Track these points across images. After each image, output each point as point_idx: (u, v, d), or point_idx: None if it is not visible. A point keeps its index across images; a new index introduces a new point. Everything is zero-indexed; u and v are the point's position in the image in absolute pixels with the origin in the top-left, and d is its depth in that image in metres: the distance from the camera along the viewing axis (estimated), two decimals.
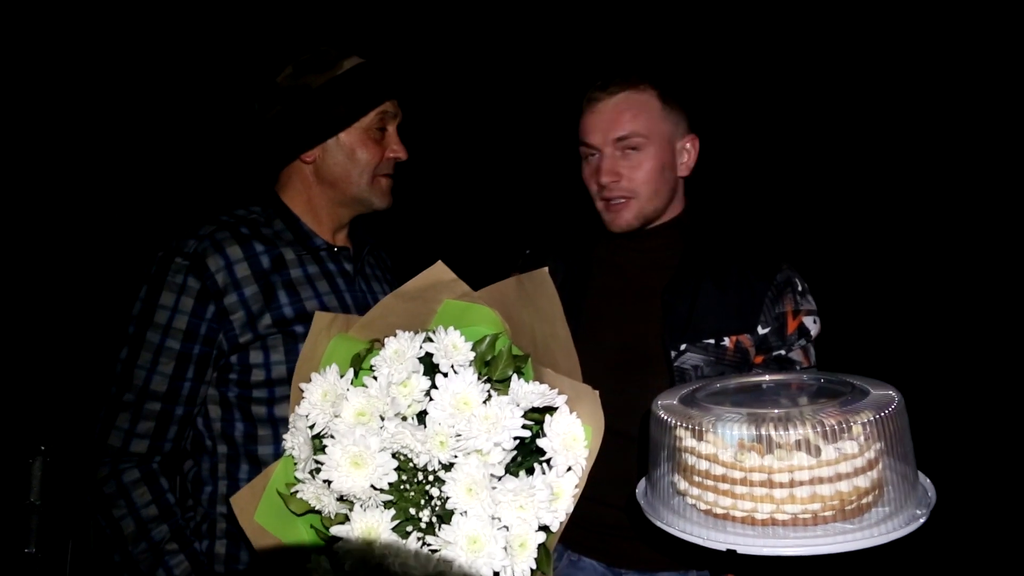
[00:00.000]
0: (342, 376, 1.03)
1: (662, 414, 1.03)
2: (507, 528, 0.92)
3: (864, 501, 0.93)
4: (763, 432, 0.92)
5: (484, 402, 0.97)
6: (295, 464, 1.03)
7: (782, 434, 0.91)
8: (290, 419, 1.05)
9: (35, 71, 3.59)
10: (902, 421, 0.96)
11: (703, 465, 0.97)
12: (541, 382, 1.01)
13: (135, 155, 3.87)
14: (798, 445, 0.91)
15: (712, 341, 1.44)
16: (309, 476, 0.99)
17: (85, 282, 3.43)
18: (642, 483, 1.12)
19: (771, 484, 0.92)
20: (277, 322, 1.34)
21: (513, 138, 4.83)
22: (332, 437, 0.98)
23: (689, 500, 1.00)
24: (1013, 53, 4.14)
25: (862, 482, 0.93)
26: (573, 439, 0.97)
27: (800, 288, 1.48)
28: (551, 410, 0.99)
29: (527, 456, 1.00)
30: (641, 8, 4.44)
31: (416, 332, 1.06)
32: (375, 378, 1.01)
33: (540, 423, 0.99)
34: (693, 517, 0.99)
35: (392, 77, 1.53)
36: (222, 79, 3.65)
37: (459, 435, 0.95)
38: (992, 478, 3.61)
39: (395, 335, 1.06)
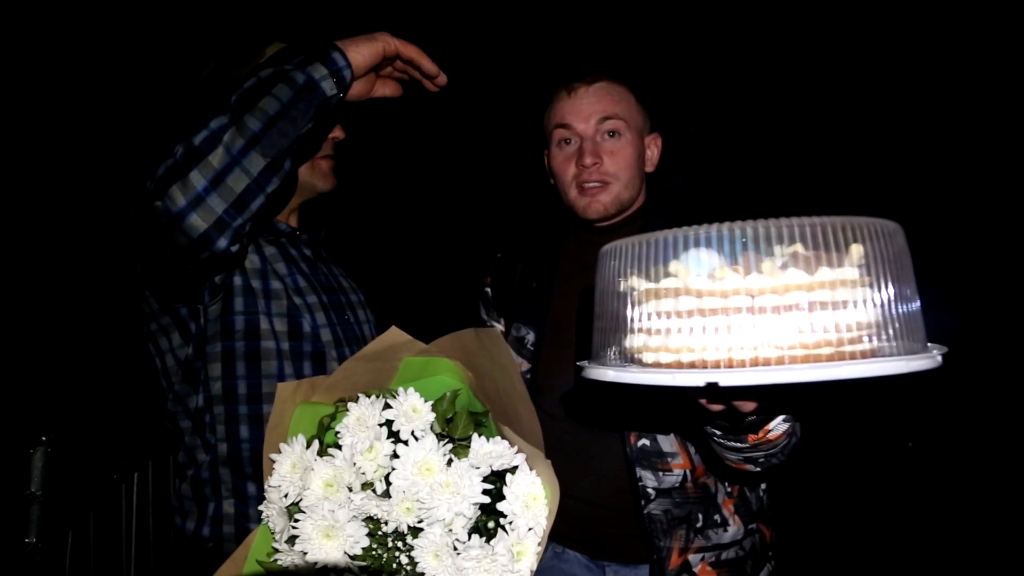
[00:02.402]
0: (308, 447, 1.06)
1: (608, 259, 0.86)
2: None
3: (864, 346, 0.76)
4: (743, 249, 0.75)
5: (448, 463, 1.02)
6: (272, 533, 1.08)
7: (768, 248, 0.75)
8: (266, 489, 1.10)
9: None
10: (904, 252, 0.81)
11: (666, 305, 0.79)
12: (503, 437, 1.05)
13: (127, 153, 3.79)
14: (790, 261, 0.75)
15: None
16: (286, 545, 1.05)
17: (86, 275, 3.40)
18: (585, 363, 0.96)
19: (755, 310, 0.75)
20: (274, 275, 1.43)
21: (478, 134, 4.68)
22: (303, 511, 1.02)
23: (648, 356, 0.81)
24: (989, 38, 3.99)
25: (862, 316, 0.76)
26: (533, 499, 1.02)
27: None
28: (512, 469, 1.04)
29: (490, 515, 1.05)
30: (611, 6, 4.21)
31: (379, 394, 1.09)
32: (339, 446, 1.05)
33: (503, 480, 1.04)
34: (657, 372, 0.79)
35: None
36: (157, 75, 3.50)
37: (421, 502, 1.00)
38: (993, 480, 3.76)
39: (358, 398, 1.08)
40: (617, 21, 4.29)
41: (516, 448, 1.04)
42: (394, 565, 1.02)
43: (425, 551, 0.99)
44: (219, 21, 3.71)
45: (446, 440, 1.06)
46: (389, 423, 1.07)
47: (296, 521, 1.03)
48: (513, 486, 1.02)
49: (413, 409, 1.06)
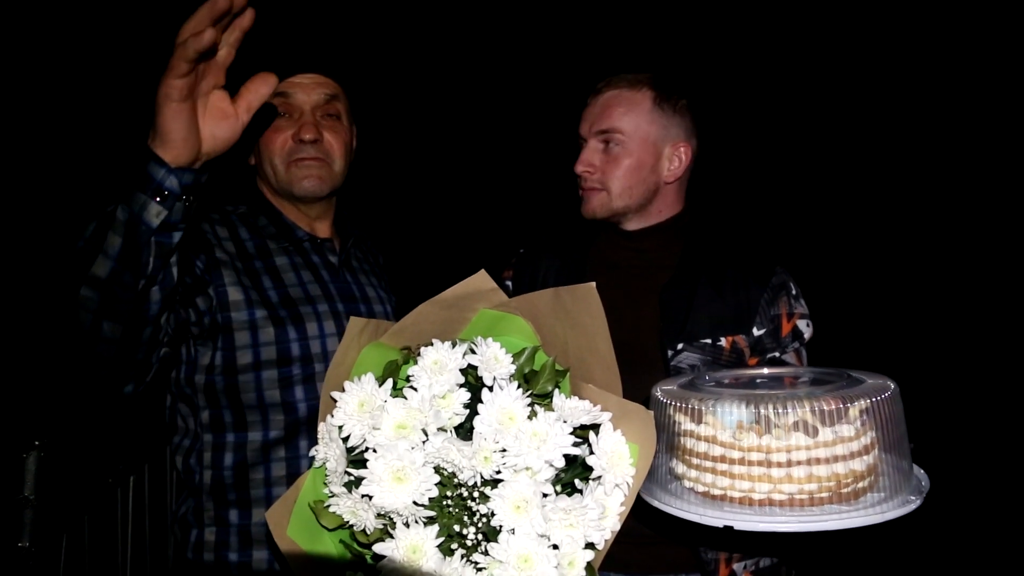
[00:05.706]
0: (380, 385, 1.00)
1: (661, 397, 1.03)
2: (556, 547, 0.90)
3: (860, 485, 0.95)
4: (762, 412, 0.93)
5: (528, 417, 0.95)
6: (326, 476, 1.00)
7: (780, 415, 0.93)
8: (320, 429, 1.02)
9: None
10: (897, 408, 0.98)
11: (701, 447, 0.98)
12: (580, 397, 1.00)
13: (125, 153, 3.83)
14: (796, 426, 0.92)
15: (709, 341, 1.46)
16: (344, 490, 0.96)
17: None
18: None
19: (768, 464, 0.93)
20: (264, 302, 1.38)
21: (509, 134, 4.78)
22: (373, 451, 0.95)
23: (687, 483, 1.01)
24: (1013, 53, 4.16)
25: (858, 465, 0.94)
26: (619, 457, 0.96)
27: (794, 292, 1.52)
28: (595, 427, 0.97)
29: (570, 472, 0.98)
30: (651, 10, 4.39)
31: (453, 342, 1.03)
32: (413, 388, 0.98)
33: (584, 440, 0.98)
34: (690, 499, 1.00)
35: (280, 60, 1.47)
36: None
37: (504, 451, 0.93)
38: (984, 479, 3.69)
39: (429, 343, 1.03)
40: (668, 19, 4.32)
41: (600, 406, 0.98)
42: (465, 517, 0.93)
43: (506, 501, 0.91)
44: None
45: (528, 393, 1.00)
46: (464, 372, 1.01)
47: (361, 465, 0.95)
48: (601, 442, 0.96)
49: (495, 358, 1.00)
